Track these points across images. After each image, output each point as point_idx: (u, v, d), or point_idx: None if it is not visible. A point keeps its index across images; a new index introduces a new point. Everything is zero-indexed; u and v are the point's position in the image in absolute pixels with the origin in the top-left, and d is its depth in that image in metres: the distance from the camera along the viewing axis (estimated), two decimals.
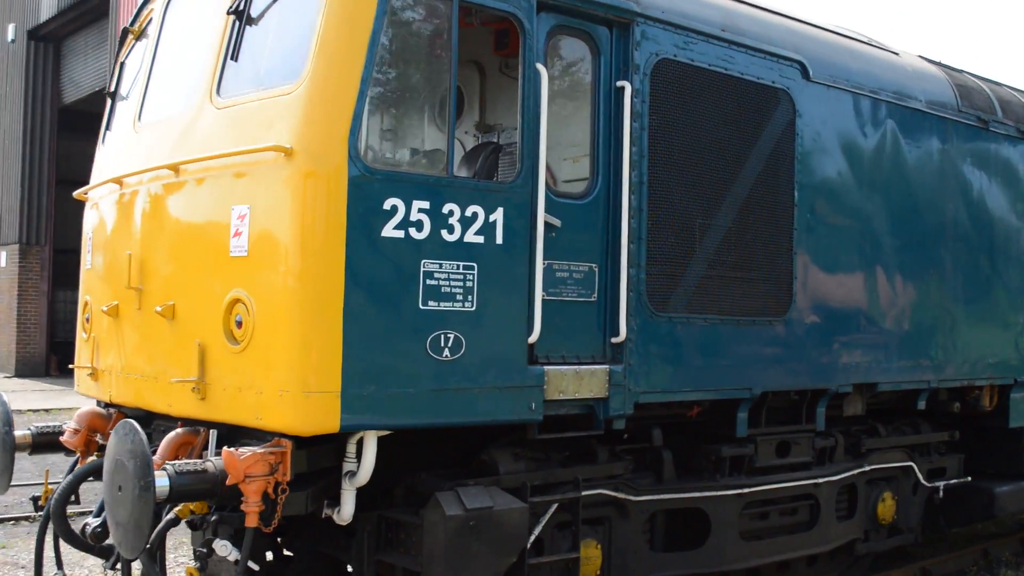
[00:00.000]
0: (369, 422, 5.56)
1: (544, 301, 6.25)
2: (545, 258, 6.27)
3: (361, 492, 6.19)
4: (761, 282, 7.48)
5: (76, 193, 7.71)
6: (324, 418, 5.39)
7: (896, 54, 9.13)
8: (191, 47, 6.62)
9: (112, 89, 7.71)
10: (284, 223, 5.48)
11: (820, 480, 8.13)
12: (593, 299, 6.54)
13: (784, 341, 7.60)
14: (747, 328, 7.33)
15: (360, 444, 5.83)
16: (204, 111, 6.21)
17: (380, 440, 5.78)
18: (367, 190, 5.49)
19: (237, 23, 6.10)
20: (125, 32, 7.53)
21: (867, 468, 8.72)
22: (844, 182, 8.07)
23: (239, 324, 5.68)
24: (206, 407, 5.90)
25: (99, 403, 7.29)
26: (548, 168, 6.89)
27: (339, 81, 5.47)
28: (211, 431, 5.93)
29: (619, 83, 6.60)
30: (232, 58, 6.08)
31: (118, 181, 6.86)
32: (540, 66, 6.18)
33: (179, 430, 6.08)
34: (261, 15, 6.08)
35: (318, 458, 5.83)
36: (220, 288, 5.82)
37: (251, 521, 5.40)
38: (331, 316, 5.38)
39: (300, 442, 5.61)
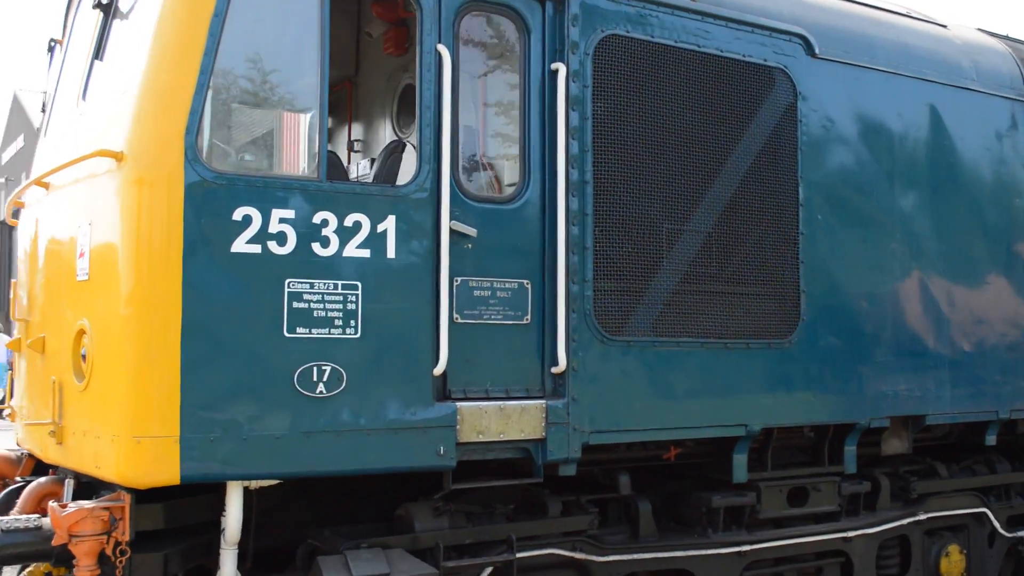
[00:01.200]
0: (219, 472, 4.69)
1: (457, 325, 5.28)
2: (457, 274, 5.30)
3: (264, 551, 5.38)
4: (757, 298, 6.26)
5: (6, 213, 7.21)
6: (160, 467, 4.55)
7: (943, 26, 7.74)
8: (81, 51, 5.99)
9: (45, 102, 7.19)
10: (115, 239, 4.71)
11: (851, 533, 6.78)
12: (526, 321, 5.51)
13: (790, 367, 6.34)
14: (738, 353, 6.13)
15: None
16: (72, 118, 5.55)
17: (291, 489, 4.94)
18: (210, 198, 4.66)
19: (103, 18, 5.42)
20: (52, 42, 7.01)
21: (922, 517, 7.30)
22: (869, 177, 6.77)
23: (84, 358, 4.95)
24: (64, 453, 5.19)
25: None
26: (493, 171, 5.95)
27: (172, 73, 4.68)
28: (67, 480, 5.20)
29: (553, 66, 5.59)
30: (98, 58, 5.39)
31: (17, 203, 6.28)
32: (442, 48, 5.25)
33: (42, 479, 5.39)
34: (130, 8, 5.37)
35: (186, 512, 5.01)
36: (71, 317, 5.11)
37: None
38: (166, 348, 4.56)
39: (160, 493, 4.81)
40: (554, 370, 5.51)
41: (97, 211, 4.87)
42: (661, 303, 5.88)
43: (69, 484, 5.17)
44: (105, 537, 4.64)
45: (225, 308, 4.68)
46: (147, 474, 4.56)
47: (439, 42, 5.26)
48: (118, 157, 4.68)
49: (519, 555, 5.56)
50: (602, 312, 5.65)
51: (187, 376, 4.57)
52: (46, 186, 5.56)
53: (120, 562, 4.65)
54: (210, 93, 4.73)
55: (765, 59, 6.35)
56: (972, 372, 7.18)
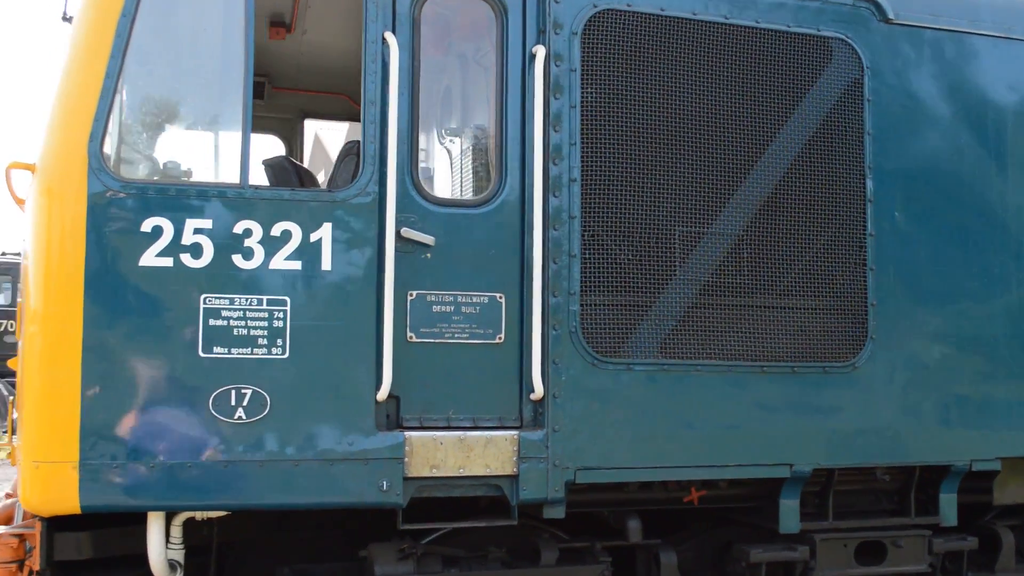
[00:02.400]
0: (124, 502, 4.35)
1: (411, 345, 4.70)
2: (412, 288, 4.73)
3: None
4: (806, 313, 5.24)
5: None
6: (59, 495, 4.28)
7: None
8: None
9: None
10: (31, 254, 4.52)
11: None
12: (498, 341, 4.83)
13: (854, 395, 5.25)
14: (781, 379, 5.13)
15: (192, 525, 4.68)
16: None
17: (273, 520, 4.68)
18: (116, 208, 4.36)
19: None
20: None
21: None
22: (970, 166, 5.54)
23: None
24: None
25: None
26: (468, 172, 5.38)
27: (78, 77, 4.43)
28: (16, 502, 5.07)
29: (533, 49, 4.91)
30: None
31: None
32: (389, 36, 4.70)
33: (8, 501, 5.30)
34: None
35: (117, 542, 4.73)
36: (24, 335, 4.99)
37: None
38: (66, 368, 4.29)
39: (95, 520, 4.57)
40: (532, 397, 4.80)
41: (27, 226, 4.72)
42: (674, 319, 5.01)
43: (18, 506, 5.04)
44: (16, 566, 4.43)
45: (132, 326, 4.35)
46: (47, 501, 4.31)
47: (388, 29, 4.73)
48: (31, 169, 4.48)
49: None
50: (592, 330, 4.87)
51: (87, 398, 4.28)
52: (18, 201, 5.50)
53: None
54: (118, 97, 4.45)
55: (819, 28, 5.33)
56: None
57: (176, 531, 4.72)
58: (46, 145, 4.43)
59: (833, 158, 5.30)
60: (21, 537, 4.46)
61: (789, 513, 5.25)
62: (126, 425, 4.32)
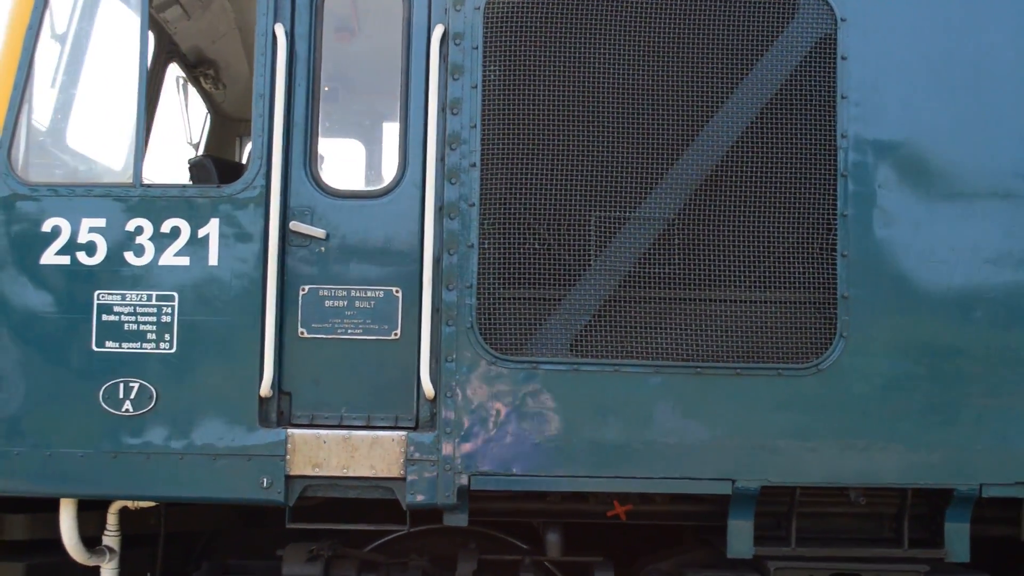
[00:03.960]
0: (25, 488, 4.60)
1: (302, 340, 4.62)
2: (305, 282, 4.64)
3: None
4: (757, 306, 4.56)
5: None
6: None
7: None
8: None
9: None
10: None
11: None
12: (394, 336, 4.63)
13: (819, 404, 4.50)
14: (721, 382, 4.50)
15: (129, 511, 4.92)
16: None
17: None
18: (21, 210, 4.63)
19: None
20: None
21: None
22: (977, 129, 4.59)
23: None
24: None
25: None
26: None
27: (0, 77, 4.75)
28: None
29: (436, 28, 4.65)
30: None
31: None
32: (278, 28, 4.64)
33: None
34: None
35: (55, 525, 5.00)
36: None
37: None
38: None
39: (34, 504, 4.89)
40: (427, 396, 4.55)
41: None
42: (588, 315, 4.55)
43: None
44: None
45: (33, 321, 4.60)
46: None
47: (279, 22, 4.66)
48: None
49: None
50: (491, 326, 4.53)
51: None
52: None
53: None
54: (26, 106, 4.71)
55: None
56: None
57: (112, 519, 4.94)
58: None
59: (795, 127, 4.58)
60: None
61: (738, 535, 4.59)
62: (25, 416, 4.57)
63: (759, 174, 4.57)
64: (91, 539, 4.94)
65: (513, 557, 4.89)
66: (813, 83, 4.59)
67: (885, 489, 4.62)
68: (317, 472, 4.54)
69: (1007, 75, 4.60)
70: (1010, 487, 4.50)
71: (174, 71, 6.33)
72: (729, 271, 4.54)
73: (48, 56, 4.75)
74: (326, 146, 5.14)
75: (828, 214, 4.55)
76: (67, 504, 4.76)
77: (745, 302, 4.56)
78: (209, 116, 6.91)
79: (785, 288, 4.55)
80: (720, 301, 4.56)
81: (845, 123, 4.57)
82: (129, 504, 4.93)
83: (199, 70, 6.49)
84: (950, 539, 4.60)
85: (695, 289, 4.55)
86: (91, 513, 4.91)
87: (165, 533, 5.20)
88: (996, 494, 4.50)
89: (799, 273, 4.55)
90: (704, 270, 4.54)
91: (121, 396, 4.56)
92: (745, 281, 4.54)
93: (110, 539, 4.96)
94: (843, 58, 4.60)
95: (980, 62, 4.61)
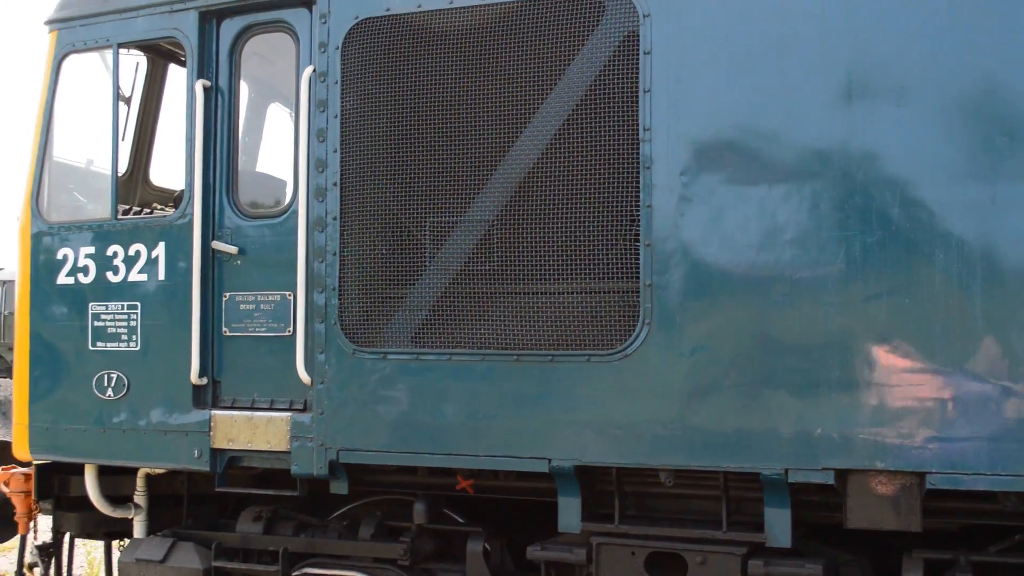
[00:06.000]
0: (51, 455, 6.07)
1: (226, 338, 5.66)
2: (227, 289, 5.68)
3: None
4: (568, 298, 4.86)
5: None
6: (24, 448, 6.17)
7: None
8: None
9: None
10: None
11: None
12: (287, 333, 5.50)
13: (626, 388, 4.70)
14: (537, 368, 4.86)
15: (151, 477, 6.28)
16: None
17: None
18: (46, 244, 6.10)
19: None
20: None
21: None
22: (790, 104, 4.52)
23: None
24: None
25: None
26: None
27: (32, 149, 6.24)
28: None
29: (307, 68, 5.45)
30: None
31: None
32: (199, 84, 5.68)
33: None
34: None
35: (107, 486, 6.40)
36: None
37: (21, 528, 6.46)
38: (22, 356, 6.16)
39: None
40: (304, 383, 5.37)
41: None
42: (425, 310, 5.12)
43: None
44: (27, 495, 6.38)
45: (54, 327, 6.05)
46: (20, 452, 6.20)
47: (200, 77, 5.70)
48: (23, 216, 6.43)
49: (307, 572, 5.56)
50: (349, 322, 5.25)
51: (33, 379, 6.08)
52: None
53: (34, 513, 6.36)
54: (47, 163, 6.16)
55: None
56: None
57: (140, 482, 6.27)
58: (24, 199, 6.33)
59: (602, 124, 4.80)
60: (28, 476, 6.41)
61: (567, 511, 4.91)
62: (51, 400, 6.03)
63: (569, 172, 4.85)
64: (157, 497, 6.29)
65: (404, 524, 5.55)
66: (619, 80, 4.78)
67: (695, 472, 4.70)
68: (231, 445, 5.54)
69: (808, 58, 4.48)
70: (817, 472, 4.41)
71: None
72: (543, 266, 4.87)
73: (61, 116, 6.16)
74: (246, 177, 6.06)
75: (632, 206, 4.73)
76: (89, 468, 6.15)
77: (559, 294, 4.87)
78: None
79: (594, 279, 4.80)
80: (536, 294, 4.91)
81: (648, 116, 4.71)
82: (151, 471, 6.23)
83: None
84: (770, 523, 4.57)
85: (514, 283, 4.95)
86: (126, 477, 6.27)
87: (189, 495, 6.43)
88: (801, 479, 4.43)
89: (605, 264, 4.77)
90: (521, 266, 4.92)
91: (106, 384, 5.85)
92: (558, 274, 4.85)
93: (139, 497, 6.28)
94: (646, 53, 4.74)
95: (783, 47, 4.53)
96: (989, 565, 4.58)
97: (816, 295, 4.41)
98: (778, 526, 4.57)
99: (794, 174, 4.48)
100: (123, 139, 6.67)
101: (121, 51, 6.05)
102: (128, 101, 6.59)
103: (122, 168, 6.88)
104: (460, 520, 5.66)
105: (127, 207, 6.45)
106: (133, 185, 6.94)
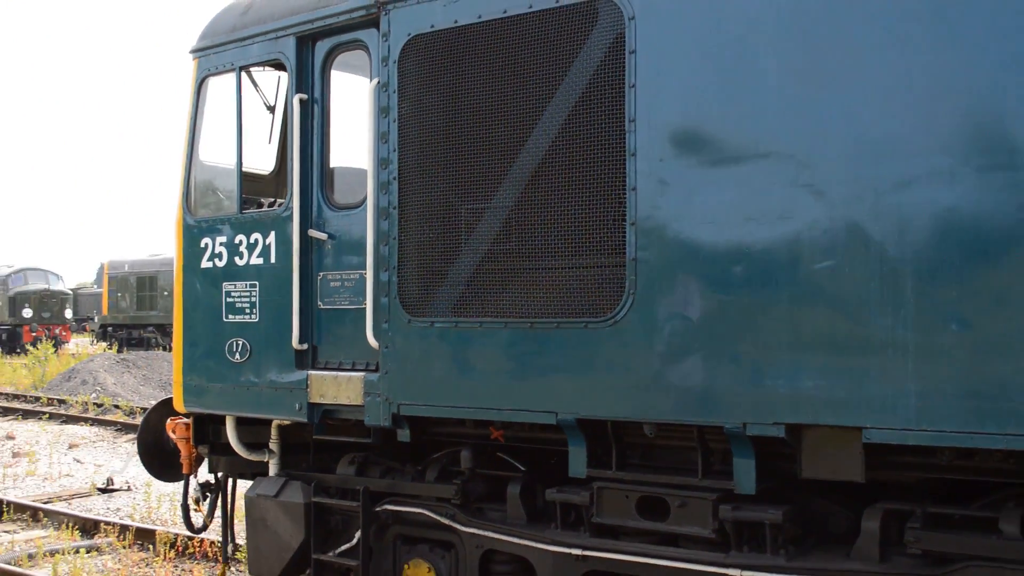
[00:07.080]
0: (198, 408, 7.42)
1: (321, 311, 6.76)
2: (320, 270, 6.77)
3: None
4: (567, 272, 5.53)
5: None
6: (180, 402, 7.57)
7: None
8: None
9: None
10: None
11: (730, 571, 5.02)
12: (363, 306, 6.50)
13: (616, 351, 5.33)
14: (546, 333, 5.59)
15: (281, 429, 7.55)
16: None
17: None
18: (193, 235, 7.45)
19: None
20: None
21: None
22: (757, 96, 4.98)
23: None
24: None
25: None
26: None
27: (181, 159, 7.61)
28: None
29: (374, 80, 6.41)
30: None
31: None
32: (297, 97, 6.78)
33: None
34: None
35: (250, 435, 7.69)
36: None
37: (184, 468, 7.89)
38: (179, 327, 7.56)
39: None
40: (374, 348, 6.35)
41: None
42: (462, 285, 5.96)
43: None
44: (187, 441, 7.78)
45: (200, 303, 7.39)
46: (179, 406, 7.60)
47: (298, 92, 6.80)
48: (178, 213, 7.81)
49: (386, 508, 6.55)
50: (406, 296, 6.17)
51: (185, 344, 7.46)
52: None
53: (193, 454, 7.76)
54: (194, 169, 7.49)
55: None
56: (963, 367, 4.35)
57: (273, 431, 7.52)
58: (179, 199, 7.71)
59: (592, 119, 5.43)
60: (188, 425, 7.80)
61: (575, 459, 5.60)
62: (197, 362, 7.37)
63: (571, 163, 5.51)
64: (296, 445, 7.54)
65: (460, 469, 6.41)
66: (610, 77, 5.39)
67: (673, 425, 5.25)
68: (322, 400, 6.62)
69: (768, 47, 4.92)
70: (769, 426, 4.87)
71: None
72: (552, 244, 5.58)
73: (203, 131, 7.48)
74: (335, 174, 7.07)
75: (620, 189, 5.34)
76: (228, 418, 7.45)
77: (563, 268, 5.56)
78: None
79: (591, 255, 5.45)
80: (546, 269, 5.62)
81: (633, 109, 5.30)
82: (281, 421, 7.44)
83: None
84: (737, 472, 5.07)
85: (528, 260, 5.68)
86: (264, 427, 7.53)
87: (315, 443, 7.60)
88: (756, 432, 4.90)
89: (599, 242, 5.41)
90: (534, 245, 5.65)
91: (235, 350, 7.11)
92: (564, 252, 5.55)
93: (272, 444, 7.52)
94: (631, 52, 5.32)
95: (744, 38, 4.99)
96: (949, 517, 4.84)
97: (768, 268, 4.86)
98: (744, 475, 5.06)
99: (752, 155, 4.94)
100: (269, 142, 7.98)
101: (255, 69, 7.29)
102: (272, 110, 7.87)
103: (270, 167, 8.20)
104: (521, 468, 6.46)
105: (271, 200, 7.71)
106: (281, 181, 8.20)
